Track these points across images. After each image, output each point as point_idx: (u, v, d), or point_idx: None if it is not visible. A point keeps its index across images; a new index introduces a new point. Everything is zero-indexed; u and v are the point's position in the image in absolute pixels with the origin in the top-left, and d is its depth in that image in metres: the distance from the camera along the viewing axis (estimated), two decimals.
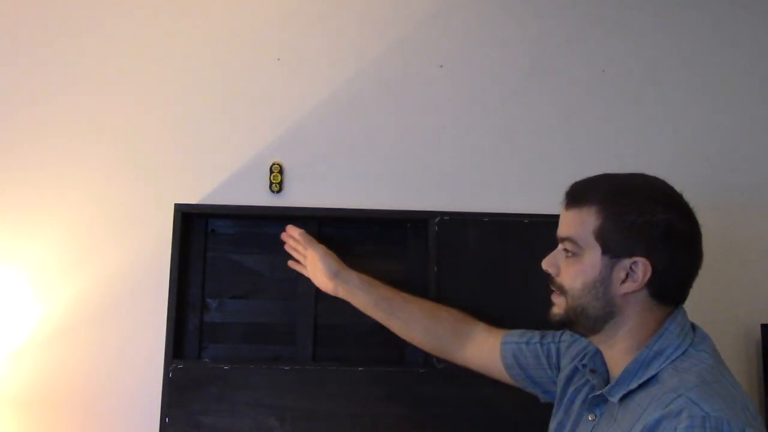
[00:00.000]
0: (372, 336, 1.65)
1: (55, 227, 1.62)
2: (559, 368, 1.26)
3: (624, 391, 1.03)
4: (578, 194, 1.08)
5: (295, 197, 1.66)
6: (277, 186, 1.66)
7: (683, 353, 1.02)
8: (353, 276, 1.49)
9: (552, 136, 1.73)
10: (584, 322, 1.07)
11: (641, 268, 1.02)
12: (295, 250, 1.57)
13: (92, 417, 1.58)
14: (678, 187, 1.07)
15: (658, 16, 1.79)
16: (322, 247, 1.52)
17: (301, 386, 1.54)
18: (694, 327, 1.07)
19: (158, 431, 1.51)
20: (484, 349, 1.37)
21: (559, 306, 1.09)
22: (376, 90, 1.71)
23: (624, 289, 1.03)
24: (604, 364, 1.12)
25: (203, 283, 1.63)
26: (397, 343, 1.64)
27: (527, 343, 1.31)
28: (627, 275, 1.03)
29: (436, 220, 1.61)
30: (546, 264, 1.10)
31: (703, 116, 1.77)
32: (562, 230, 1.08)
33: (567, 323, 1.10)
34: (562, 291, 1.08)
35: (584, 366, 1.16)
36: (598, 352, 1.14)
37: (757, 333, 1.69)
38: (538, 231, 1.52)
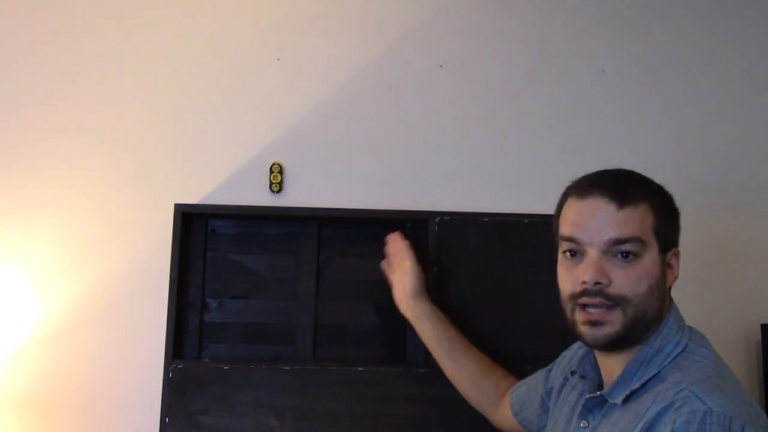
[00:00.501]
0: (372, 336, 1.65)
1: (54, 227, 1.62)
2: (551, 392, 1.24)
3: (627, 392, 0.99)
4: (629, 191, 1.01)
5: (295, 197, 1.66)
6: (277, 186, 1.66)
7: (683, 350, 1.00)
8: (427, 305, 1.45)
9: (552, 136, 1.73)
10: (639, 331, 0.99)
11: (677, 259, 1.04)
12: (394, 255, 1.52)
13: (92, 417, 1.58)
14: (678, 188, 1.07)
15: (658, 17, 1.79)
16: (418, 266, 1.48)
17: (301, 386, 1.53)
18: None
19: (158, 431, 1.51)
20: (507, 406, 1.36)
21: (613, 323, 0.98)
22: (376, 90, 1.71)
23: (669, 282, 1.03)
24: (594, 368, 1.10)
25: (203, 283, 1.63)
26: (397, 343, 1.65)
27: (521, 384, 1.34)
28: (669, 268, 1.03)
29: (436, 220, 1.61)
30: (597, 275, 0.98)
31: (703, 116, 1.77)
32: (621, 231, 0.98)
33: (621, 341, 1.00)
34: (620, 302, 0.98)
35: (572, 373, 1.14)
36: (586, 357, 1.12)
37: (757, 333, 1.68)
38: (538, 231, 1.52)
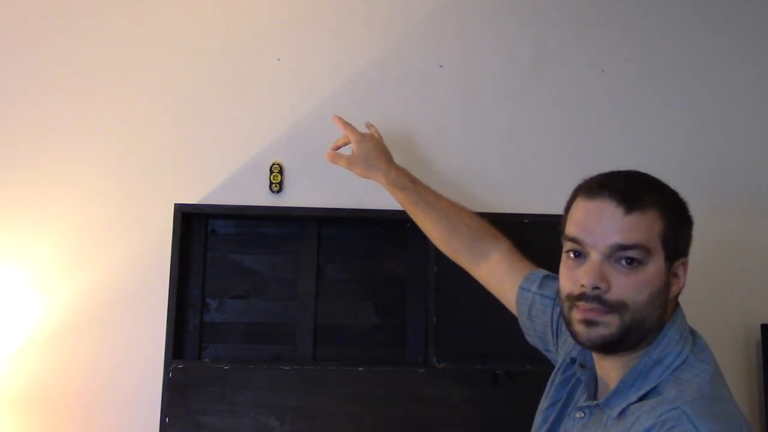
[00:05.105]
0: (372, 336, 1.65)
1: (55, 227, 1.62)
2: (558, 338, 1.21)
3: (624, 405, 0.97)
4: (639, 197, 0.97)
5: (295, 197, 1.66)
6: (277, 186, 1.66)
7: (683, 362, 0.97)
8: (382, 180, 1.48)
9: (552, 136, 1.73)
10: (635, 337, 0.97)
11: (684, 269, 1.00)
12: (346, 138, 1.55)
13: (92, 417, 1.58)
14: (678, 188, 1.05)
15: (658, 16, 1.79)
16: (355, 146, 1.51)
17: (301, 386, 1.54)
18: (692, 332, 1.03)
19: (158, 431, 1.51)
20: (497, 275, 1.34)
21: (609, 325, 0.96)
22: (376, 90, 1.71)
23: (673, 292, 1.00)
24: (593, 360, 1.08)
25: (203, 283, 1.63)
26: (397, 343, 1.65)
27: (542, 295, 1.24)
28: (674, 278, 0.99)
29: None
30: (596, 279, 0.96)
31: (703, 117, 1.77)
32: (626, 237, 0.95)
33: (615, 344, 0.98)
34: (618, 307, 0.96)
35: (573, 360, 1.12)
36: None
37: (757, 333, 1.69)
38: (538, 231, 1.52)
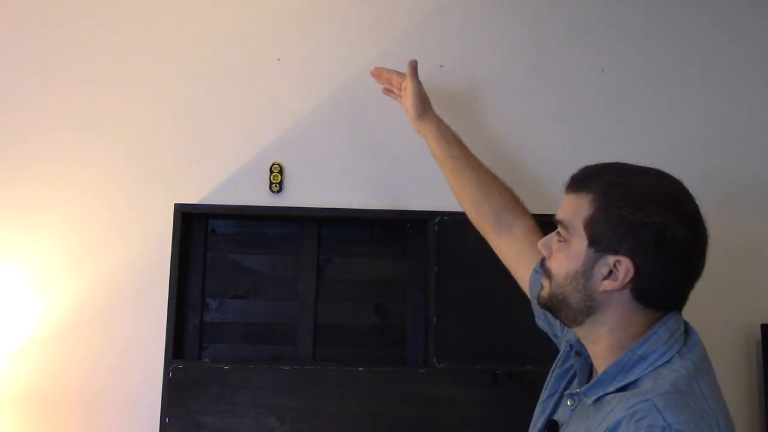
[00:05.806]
0: (372, 336, 1.65)
1: (55, 227, 1.62)
2: (563, 324, 1.22)
3: (600, 394, 1.00)
4: (581, 179, 1.05)
5: (295, 197, 1.66)
6: (277, 186, 1.66)
7: (668, 361, 0.97)
8: (431, 126, 1.48)
9: (552, 136, 1.73)
10: (565, 311, 1.05)
11: (623, 269, 0.98)
12: (389, 81, 1.58)
13: (92, 417, 1.58)
14: None
15: (658, 16, 1.79)
16: (416, 85, 1.51)
17: (301, 386, 1.54)
18: (688, 332, 1.02)
19: (158, 431, 1.51)
20: (515, 250, 1.35)
21: (545, 289, 1.08)
22: (376, 90, 1.71)
23: (604, 286, 0.99)
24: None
25: (203, 283, 1.63)
26: (397, 343, 1.65)
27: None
28: (610, 272, 0.99)
29: (436, 220, 1.61)
30: (541, 244, 1.09)
31: (703, 117, 1.77)
32: (559, 213, 1.05)
33: (550, 309, 1.08)
34: (549, 275, 1.06)
35: (571, 347, 1.14)
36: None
37: (757, 333, 1.69)
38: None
